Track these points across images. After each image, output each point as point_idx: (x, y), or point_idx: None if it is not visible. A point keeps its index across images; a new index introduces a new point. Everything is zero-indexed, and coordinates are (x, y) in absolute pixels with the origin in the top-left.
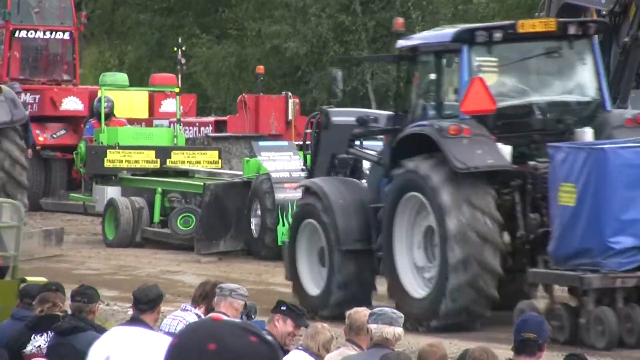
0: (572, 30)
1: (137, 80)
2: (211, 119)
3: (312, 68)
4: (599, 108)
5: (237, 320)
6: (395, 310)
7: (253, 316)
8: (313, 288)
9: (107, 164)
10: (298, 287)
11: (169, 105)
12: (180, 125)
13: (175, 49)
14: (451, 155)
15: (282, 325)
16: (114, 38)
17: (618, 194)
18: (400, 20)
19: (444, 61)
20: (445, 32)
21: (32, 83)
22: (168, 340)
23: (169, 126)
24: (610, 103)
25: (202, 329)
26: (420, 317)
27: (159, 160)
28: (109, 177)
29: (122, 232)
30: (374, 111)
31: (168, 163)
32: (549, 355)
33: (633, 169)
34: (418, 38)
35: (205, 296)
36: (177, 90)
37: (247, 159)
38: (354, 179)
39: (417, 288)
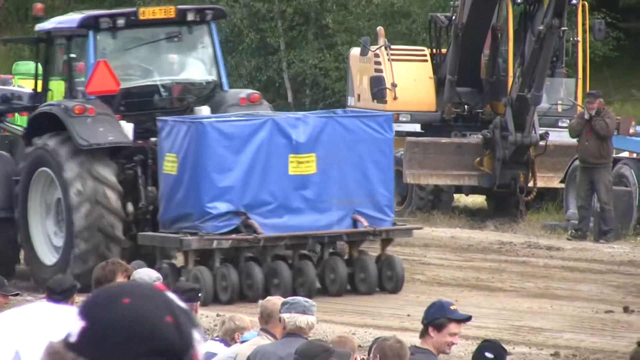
0: (190, 16)
1: None
2: None
3: (227, 56)
4: (217, 88)
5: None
6: (307, 299)
7: None
8: None
9: None
10: None
11: None
12: None
13: None
14: (75, 133)
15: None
16: (28, 25)
17: (215, 163)
18: (39, 5)
19: (74, 45)
20: (73, 18)
21: None
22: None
23: None
24: (228, 83)
25: (118, 285)
26: None
27: None
28: None
29: None
30: (19, 89)
31: None
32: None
33: (229, 140)
34: (53, 23)
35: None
36: None
37: None
38: (3, 152)
39: (48, 255)
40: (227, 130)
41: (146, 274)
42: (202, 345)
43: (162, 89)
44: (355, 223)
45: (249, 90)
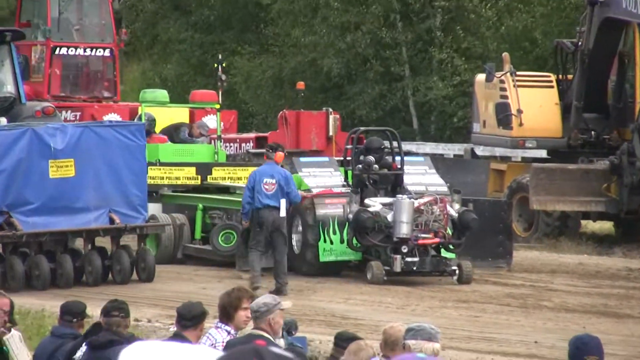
0: None
1: (178, 96)
2: (252, 135)
3: (350, 84)
4: (16, 101)
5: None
6: (433, 326)
7: (293, 332)
8: None
9: (148, 181)
10: None
11: (210, 121)
12: (220, 141)
13: (216, 65)
14: None
15: None
16: (155, 54)
17: None
18: None
19: None
20: None
21: (73, 100)
22: (205, 351)
23: (210, 142)
24: (25, 97)
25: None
26: None
27: (199, 176)
28: (150, 193)
29: (163, 248)
30: None
31: (209, 179)
32: None
33: None
34: None
35: (235, 306)
36: (217, 106)
37: None
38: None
39: None
40: None
41: (271, 298)
42: None
43: None
44: (112, 220)
45: (45, 104)
